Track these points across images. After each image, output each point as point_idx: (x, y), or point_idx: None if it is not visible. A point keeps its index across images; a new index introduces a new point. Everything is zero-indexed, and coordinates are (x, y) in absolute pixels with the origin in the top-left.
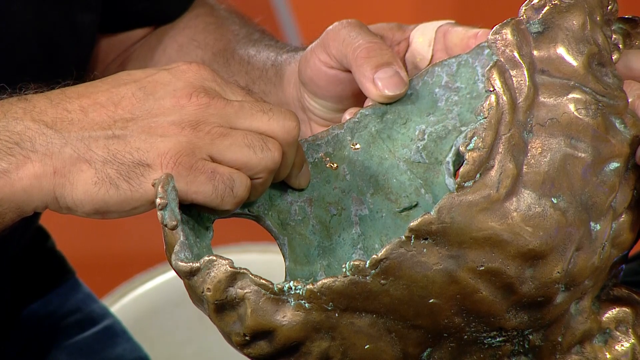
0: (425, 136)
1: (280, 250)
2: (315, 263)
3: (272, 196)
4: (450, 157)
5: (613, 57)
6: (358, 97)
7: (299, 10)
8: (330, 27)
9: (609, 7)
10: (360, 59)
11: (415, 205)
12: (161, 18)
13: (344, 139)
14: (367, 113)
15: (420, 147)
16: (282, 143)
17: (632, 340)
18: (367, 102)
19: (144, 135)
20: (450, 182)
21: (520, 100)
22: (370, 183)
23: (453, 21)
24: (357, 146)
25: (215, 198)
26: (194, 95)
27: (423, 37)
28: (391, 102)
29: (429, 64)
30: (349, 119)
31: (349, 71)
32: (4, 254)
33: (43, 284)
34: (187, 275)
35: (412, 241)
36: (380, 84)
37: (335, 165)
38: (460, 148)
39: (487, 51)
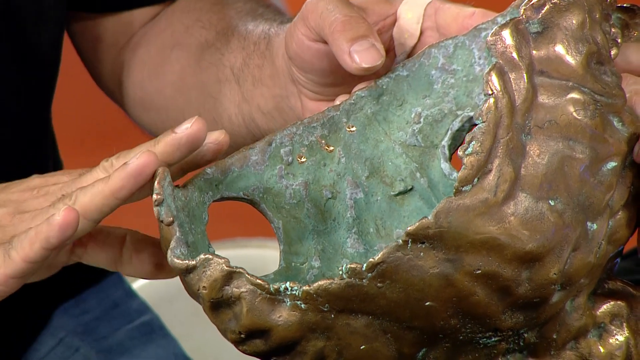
0: (421, 119)
1: (275, 234)
2: (310, 247)
3: (266, 179)
4: (445, 141)
5: (612, 53)
6: (343, 72)
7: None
8: None
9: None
10: (336, 32)
11: (411, 189)
12: None
13: (339, 120)
14: (363, 95)
15: (416, 130)
16: None
17: (626, 334)
18: (354, 79)
19: None
20: (445, 166)
21: (518, 102)
22: (366, 166)
23: None
24: (353, 128)
25: None
26: None
27: (412, 13)
28: (368, 74)
29: (417, 42)
30: (345, 100)
31: None
32: None
33: (78, 281)
34: (183, 272)
35: (409, 245)
36: (356, 57)
37: (331, 147)
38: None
39: (484, 33)
